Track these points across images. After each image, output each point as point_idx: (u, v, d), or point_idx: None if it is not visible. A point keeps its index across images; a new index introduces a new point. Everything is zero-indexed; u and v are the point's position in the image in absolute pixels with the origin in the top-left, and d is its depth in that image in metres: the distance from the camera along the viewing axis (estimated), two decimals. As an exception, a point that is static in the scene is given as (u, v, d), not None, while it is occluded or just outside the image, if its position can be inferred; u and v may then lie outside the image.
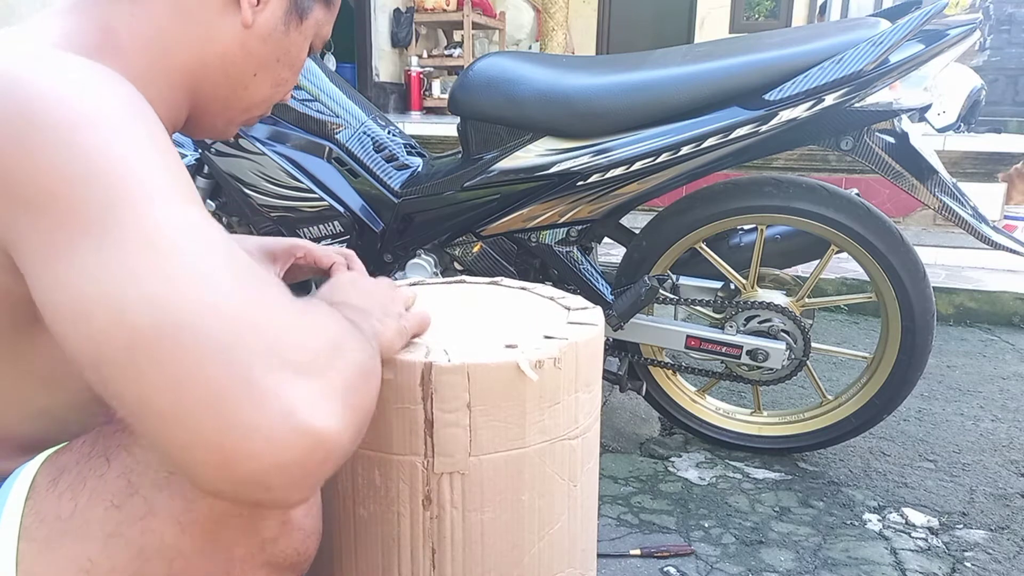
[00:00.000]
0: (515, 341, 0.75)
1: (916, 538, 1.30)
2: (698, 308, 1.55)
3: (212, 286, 0.43)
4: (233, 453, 0.40)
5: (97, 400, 0.60)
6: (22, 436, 0.58)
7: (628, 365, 1.57)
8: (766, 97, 1.29)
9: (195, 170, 1.70)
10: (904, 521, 1.35)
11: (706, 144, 1.33)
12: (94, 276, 0.43)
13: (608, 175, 1.38)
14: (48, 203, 0.44)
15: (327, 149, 1.55)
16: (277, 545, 0.55)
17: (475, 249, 1.55)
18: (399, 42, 6.10)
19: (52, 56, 0.50)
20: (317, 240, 1.55)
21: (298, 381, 0.42)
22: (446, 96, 1.49)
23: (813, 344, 1.47)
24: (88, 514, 0.51)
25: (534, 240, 1.51)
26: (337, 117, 1.56)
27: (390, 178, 1.56)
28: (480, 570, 0.76)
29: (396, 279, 1.44)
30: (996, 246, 1.34)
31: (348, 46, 5.73)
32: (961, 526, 1.34)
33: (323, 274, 0.99)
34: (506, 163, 1.44)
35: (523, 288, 0.99)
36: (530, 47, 6.61)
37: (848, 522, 1.34)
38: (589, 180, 1.39)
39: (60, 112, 0.46)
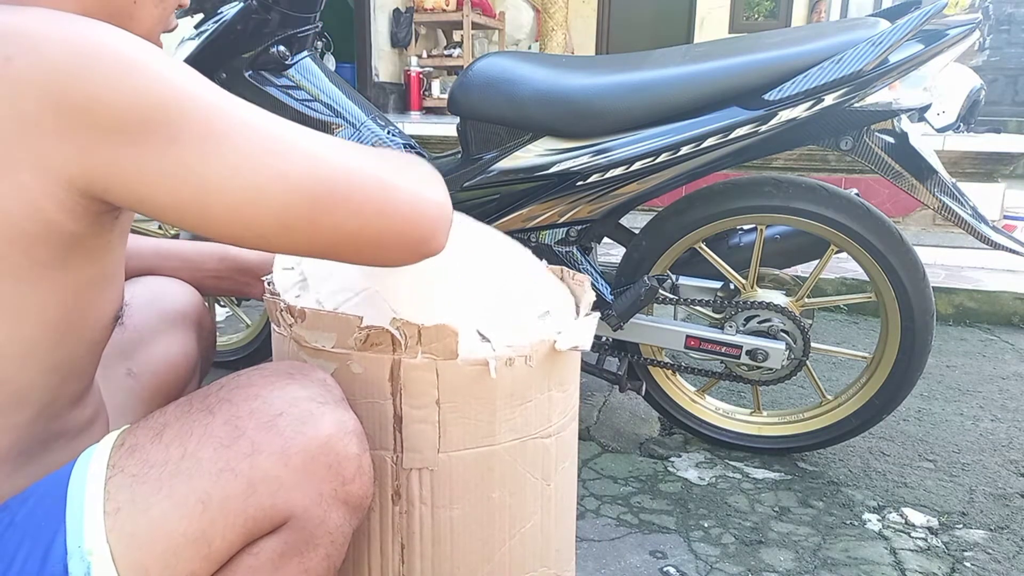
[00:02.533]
0: (489, 332, 0.75)
1: (916, 538, 1.30)
2: (698, 308, 1.55)
3: (320, 143, 0.60)
4: (420, 232, 0.63)
5: (93, 350, 0.68)
6: (34, 393, 0.61)
7: (628, 365, 1.57)
8: (766, 97, 1.29)
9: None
10: (904, 521, 1.35)
11: (706, 144, 1.33)
12: (241, 168, 0.55)
13: (608, 175, 1.38)
14: (147, 128, 0.52)
15: (327, 149, 1.55)
16: (353, 485, 0.62)
17: (475, 249, 1.54)
18: (399, 42, 6.10)
19: (41, 11, 0.53)
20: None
21: (414, 181, 0.64)
22: (446, 96, 1.49)
23: (813, 344, 1.47)
24: (199, 455, 0.58)
25: (534, 240, 1.51)
26: (336, 117, 1.57)
27: (390, 178, 1.55)
28: (449, 566, 0.77)
29: None
30: (996, 246, 1.34)
31: (348, 46, 5.74)
32: (961, 526, 1.34)
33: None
34: (506, 163, 1.44)
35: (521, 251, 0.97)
36: (530, 47, 6.61)
37: (848, 522, 1.34)
38: (589, 180, 1.39)
39: (108, 53, 0.52)
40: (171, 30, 0.74)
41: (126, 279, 0.99)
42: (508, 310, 0.81)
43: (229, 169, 0.55)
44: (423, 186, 0.64)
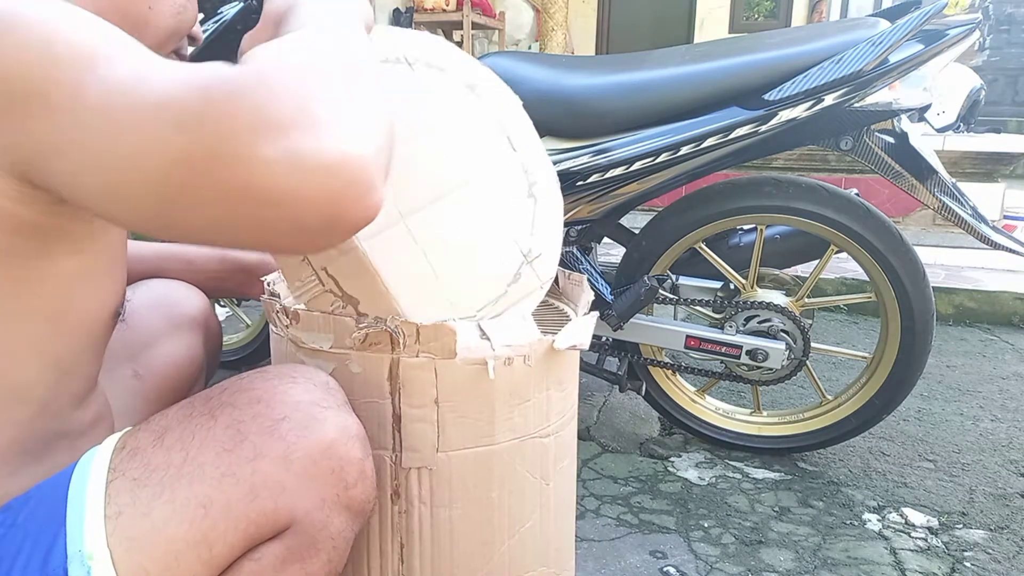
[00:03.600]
0: (487, 329, 0.74)
1: (916, 538, 1.30)
2: (698, 308, 1.55)
3: (181, 92, 0.44)
4: (326, 213, 0.44)
5: (94, 345, 0.66)
6: (34, 390, 0.61)
7: (628, 365, 1.57)
8: (766, 97, 1.29)
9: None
10: (904, 521, 1.35)
11: (706, 144, 1.32)
12: (114, 144, 0.45)
13: (608, 175, 1.38)
14: (25, 99, 0.46)
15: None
16: (356, 490, 0.62)
17: (475, 249, 1.54)
18: (399, 42, 6.09)
19: None
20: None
21: (332, 119, 0.44)
22: (446, 96, 1.47)
23: (813, 344, 1.47)
24: (200, 459, 0.57)
25: (534, 240, 1.51)
26: (337, 117, 1.56)
27: (390, 178, 1.55)
28: (449, 566, 0.77)
29: None
30: (996, 246, 1.34)
31: (348, 46, 5.72)
32: (961, 526, 1.34)
33: None
34: (506, 163, 1.43)
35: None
36: (530, 47, 6.61)
37: (848, 522, 1.34)
38: (589, 180, 1.39)
39: None
40: (181, 55, 0.72)
41: (129, 283, 0.99)
42: (497, 269, 0.80)
43: (102, 144, 0.45)
44: (341, 128, 0.45)
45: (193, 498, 0.56)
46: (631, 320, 1.49)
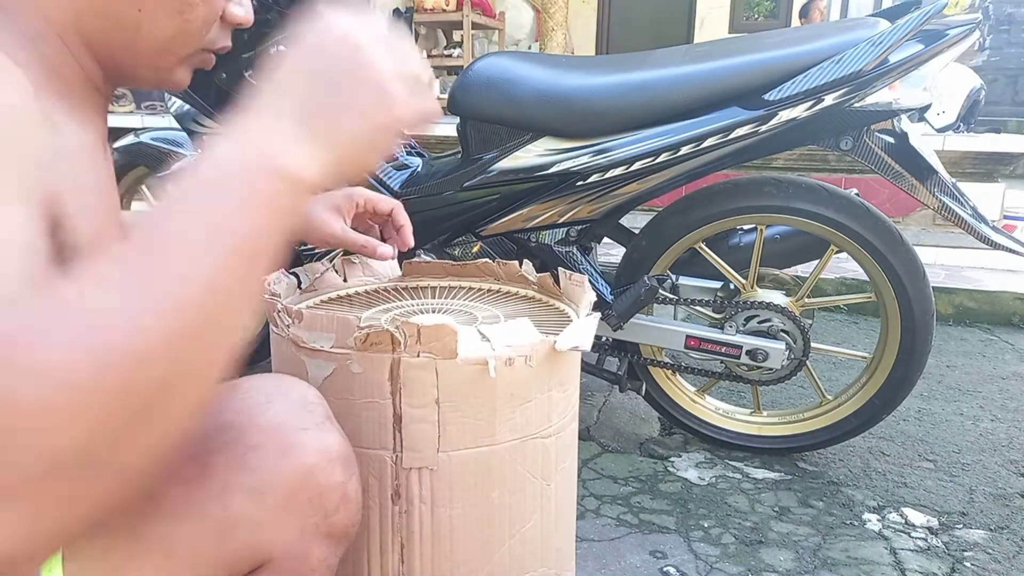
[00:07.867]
0: (488, 333, 0.75)
1: (916, 538, 1.30)
2: (698, 308, 1.55)
3: None
4: None
5: None
6: None
7: (628, 365, 1.57)
8: (766, 97, 1.29)
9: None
10: (904, 521, 1.35)
11: (706, 144, 1.33)
12: None
13: (608, 175, 1.38)
14: None
15: (327, 149, 1.55)
16: (338, 516, 0.58)
17: (475, 249, 1.55)
18: (399, 42, 6.09)
19: None
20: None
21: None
22: (446, 96, 1.48)
23: (812, 344, 1.47)
24: (164, 495, 0.52)
25: (534, 240, 1.51)
26: (337, 117, 1.56)
27: (389, 178, 1.56)
28: (449, 566, 0.77)
29: None
30: (995, 246, 1.34)
31: (348, 46, 5.72)
32: (961, 526, 1.34)
33: (383, 220, 0.97)
34: (506, 163, 1.43)
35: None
36: (530, 47, 6.61)
37: (848, 522, 1.34)
38: (589, 180, 1.39)
39: None
40: (216, 50, 0.61)
41: None
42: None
43: None
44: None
45: (155, 539, 0.51)
46: (631, 320, 1.49)
